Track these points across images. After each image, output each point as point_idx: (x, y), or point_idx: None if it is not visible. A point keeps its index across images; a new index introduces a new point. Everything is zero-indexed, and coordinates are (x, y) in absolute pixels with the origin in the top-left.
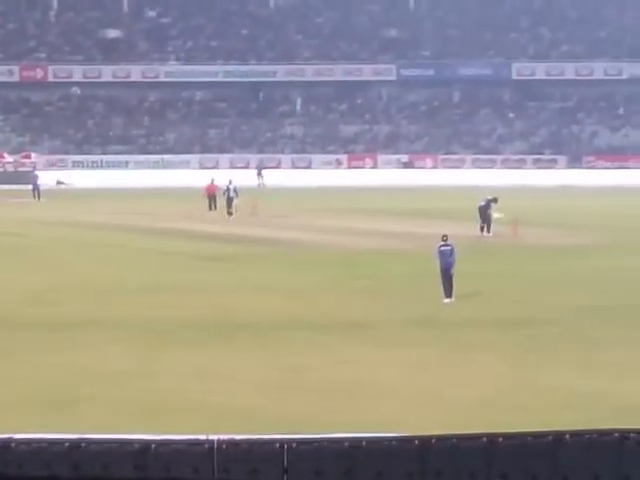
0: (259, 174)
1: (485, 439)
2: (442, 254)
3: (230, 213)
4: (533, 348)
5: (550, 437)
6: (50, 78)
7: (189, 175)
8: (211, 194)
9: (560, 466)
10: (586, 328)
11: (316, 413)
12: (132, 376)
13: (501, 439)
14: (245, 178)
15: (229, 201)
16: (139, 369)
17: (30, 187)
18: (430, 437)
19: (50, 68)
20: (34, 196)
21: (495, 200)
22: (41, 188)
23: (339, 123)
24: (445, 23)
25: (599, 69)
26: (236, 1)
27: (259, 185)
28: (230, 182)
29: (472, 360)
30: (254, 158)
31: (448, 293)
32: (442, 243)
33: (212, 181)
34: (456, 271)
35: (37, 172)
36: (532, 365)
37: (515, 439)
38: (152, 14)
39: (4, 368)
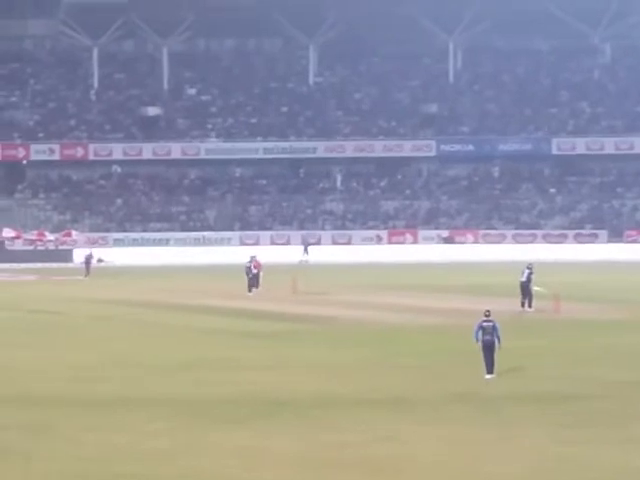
0: (305, 250)
1: None
2: (484, 330)
3: (251, 290)
4: (574, 424)
5: None
6: (91, 156)
7: (230, 252)
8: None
9: None
10: (628, 403)
11: None
12: (170, 455)
13: None
14: (287, 254)
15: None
16: (177, 448)
17: (82, 263)
18: None
19: (91, 146)
20: (87, 272)
21: (530, 268)
22: (89, 266)
23: (379, 199)
24: (485, 98)
25: (639, 143)
26: (275, 78)
27: (301, 262)
28: (250, 259)
29: (513, 436)
30: (295, 235)
31: (490, 369)
32: (484, 319)
33: (255, 258)
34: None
35: (92, 250)
36: (573, 441)
37: None
38: (192, 92)
39: (43, 444)
